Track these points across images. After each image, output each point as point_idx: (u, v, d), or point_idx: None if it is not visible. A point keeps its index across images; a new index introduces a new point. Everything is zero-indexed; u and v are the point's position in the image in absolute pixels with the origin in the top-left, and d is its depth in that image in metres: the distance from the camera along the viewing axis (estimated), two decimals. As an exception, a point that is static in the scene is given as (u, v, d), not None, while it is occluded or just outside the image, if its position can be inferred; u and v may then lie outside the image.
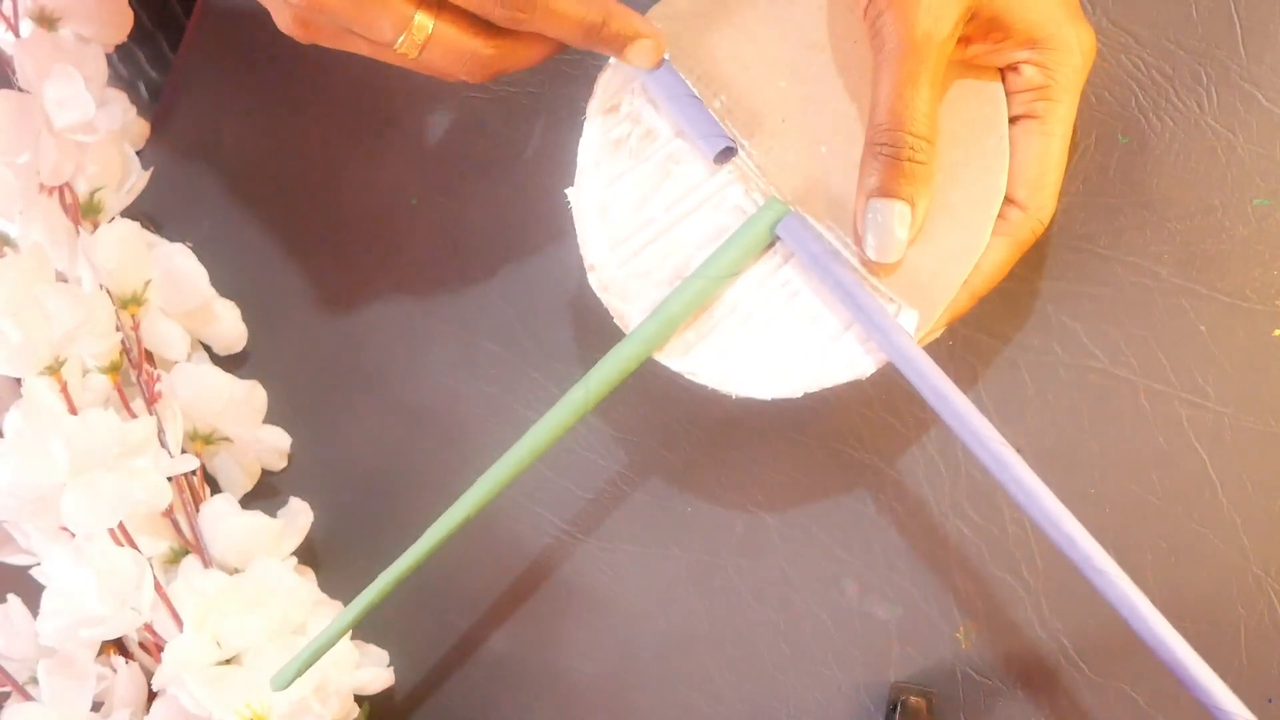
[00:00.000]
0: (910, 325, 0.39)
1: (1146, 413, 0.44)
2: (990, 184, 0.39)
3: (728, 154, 0.42)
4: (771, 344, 0.41)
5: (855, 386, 0.47)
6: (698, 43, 0.43)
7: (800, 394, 0.40)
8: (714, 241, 0.41)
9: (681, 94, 0.42)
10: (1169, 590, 0.43)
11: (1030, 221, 0.40)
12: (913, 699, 0.44)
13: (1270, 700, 0.42)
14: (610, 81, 0.43)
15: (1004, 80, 0.40)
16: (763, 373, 0.40)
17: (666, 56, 0.42)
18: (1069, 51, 0.39)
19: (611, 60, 0.43)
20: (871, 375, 0.40)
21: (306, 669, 0.43)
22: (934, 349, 0.45)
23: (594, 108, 0.43)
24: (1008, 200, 0.40)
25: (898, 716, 0.44)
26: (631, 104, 0.43)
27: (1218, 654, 0.43)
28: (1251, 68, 0.43)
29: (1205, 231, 0.44)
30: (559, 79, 0.51)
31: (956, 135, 0.40)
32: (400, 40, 0.38)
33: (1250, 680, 0.42)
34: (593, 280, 0.42)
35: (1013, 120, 0.40)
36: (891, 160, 0.38)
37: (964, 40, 0.39)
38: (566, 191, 0.43)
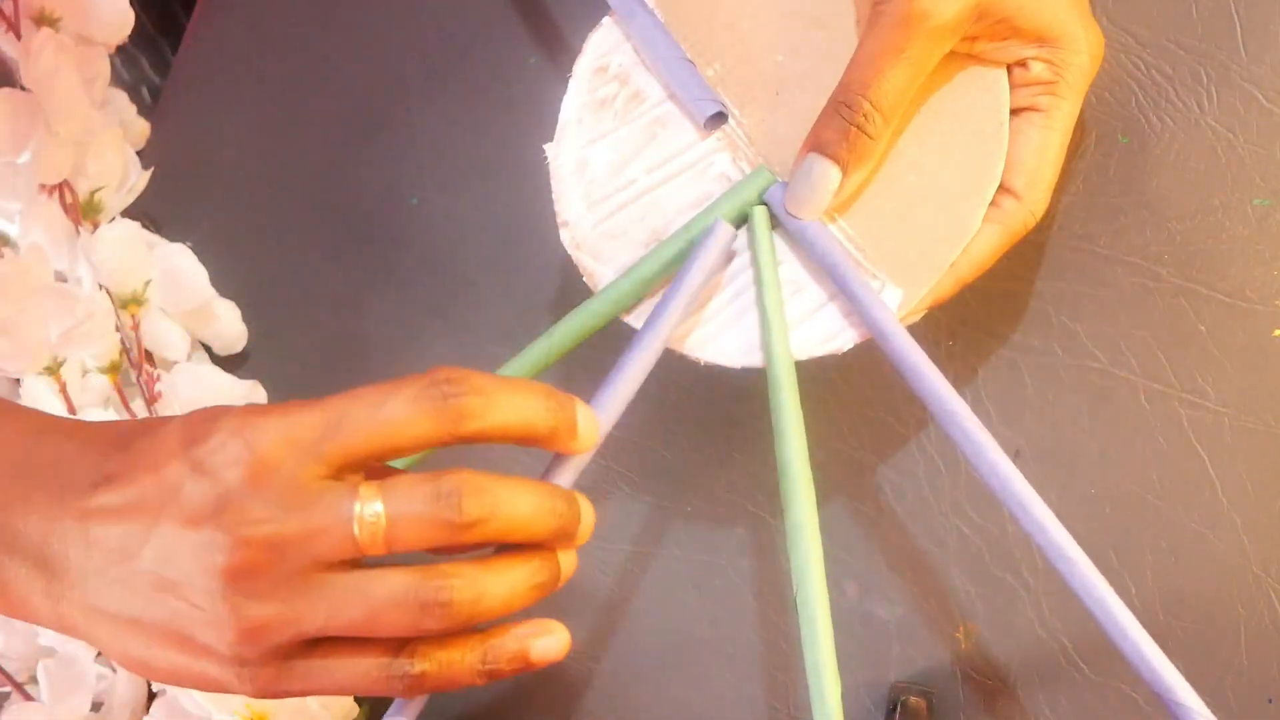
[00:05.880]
0: (894, 303, 0.39)
1: (1146, 413, 0.44)
2: (985, 170, 0.39)
3: (718, 119, 0.41)
4: (747, 313, 0.40)
5: (856, 386, 0.47)
6: (696, 11, 0.42)
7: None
8: (696, 208, 0.41)
9: (675, 57, 0.41)
10: (1169, 590, 0.43)
11: (1023, 213, 0.40)
12: (913, 699, 0.44)
13: (1270, 700, 0.42)
14: (602, 42, 0.43)
15: (1010, 74, 0.40)
16: (734, 342, 0.40)
17: (661, 20, 0.42)
18: (1078, 51, 0.39)
19: (604, 20, 0.43)
20: (848, 352, 0.39)
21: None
22: (933, 350, 0.45)
23: (582, 66, 0.43)
24: (1003, 189, 0.40)
25: (898, 716, 0.44)
26: (621, 65, 0.43)
27: (1218, 654, 0.43)
28: (1251, 68, 0.43)
29: (1205, 231, 0.44)
30: (560, 78, 0.51)
31: (955, 118, 0.40)
32: (358, 533, 0.31)
33: (1250, 680, 0.42)
34: (565, 237, 0.42)
35: (1016, 112, 0.40)
36: (842, 121, 0.38)
37: (970, 38, 0.39)
38: (545, 147, 0.43)
